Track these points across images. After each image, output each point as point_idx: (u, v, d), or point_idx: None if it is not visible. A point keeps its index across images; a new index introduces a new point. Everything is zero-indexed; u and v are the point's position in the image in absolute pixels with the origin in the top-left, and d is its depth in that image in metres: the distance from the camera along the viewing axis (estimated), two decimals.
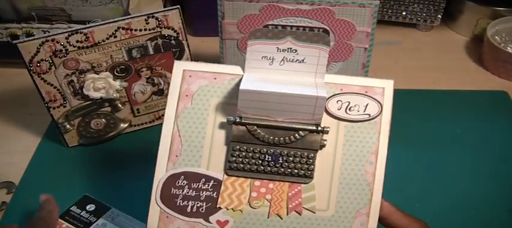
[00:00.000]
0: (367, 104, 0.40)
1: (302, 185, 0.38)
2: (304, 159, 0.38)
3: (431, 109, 0.72)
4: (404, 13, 0.87)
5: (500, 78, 0.79)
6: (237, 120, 0.38)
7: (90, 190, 0.59)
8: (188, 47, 0.63)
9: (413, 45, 0.87)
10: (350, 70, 0.65)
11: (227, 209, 0.38)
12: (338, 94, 0.40)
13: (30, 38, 0.57)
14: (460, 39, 0.88)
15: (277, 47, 0.39)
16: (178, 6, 0.60)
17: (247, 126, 0.38)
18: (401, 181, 0.60)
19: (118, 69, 0.62)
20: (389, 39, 0.88)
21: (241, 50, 0.65)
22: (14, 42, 0.56)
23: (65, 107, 0.63)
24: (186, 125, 0.39)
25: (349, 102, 0.40)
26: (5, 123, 0.71)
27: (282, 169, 0.38)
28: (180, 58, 0.63)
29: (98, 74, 0.61)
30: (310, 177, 0.38)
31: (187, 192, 0.38)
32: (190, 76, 0.40)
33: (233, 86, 0.40)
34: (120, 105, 0.65)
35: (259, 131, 0.38)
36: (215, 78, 0.40)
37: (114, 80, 0.62)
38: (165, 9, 0.60)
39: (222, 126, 0.39)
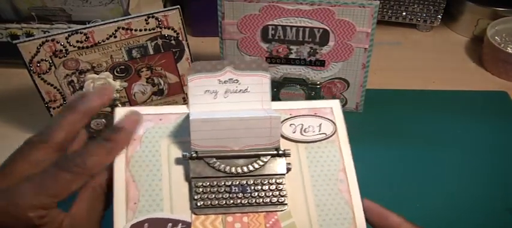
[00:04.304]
0: (320, 124, 0.40)
1: (278, 213, 0.36)
2: (273, 186, 0.36)
3: (431, 109, 0.72)
4: (404, 13, 0.87)
5: (500, 78, 0.79)
6: (193, 155, 0.36)
7: None
8: (188, 47, 0.63)
9: (413, 46, 0.86)
10: (350, 70, 0.65)
11: None
12: (289, 118, 0.40)
13: (30, 38, 0.57)
14: (460, 40, 0.88)
15: (219, 79, 0.38)
16: (178, 6, 0.60)
17: (204, 159, 0.36)
18: (400, 181, 0.60)
19: (118, 70, 0.62)
20: (389, 39, 0.87)
21: (241, 50, 0.65)
22: (14, 42, 0.56)
23: None
24: (139, 169, 0.36)
25: (303, 124, 0.39)
26: (5, 123, 0.71)
27: (253, 199, 0.36)
28: (180, 58, 0.63)
29: (97, 74, 0.61)
30: (284, 203, 0.36)
31: None
32: None
33: (181, 123, 0.38)
34: (120, 105, 0.65)
35: (218, 162, 0.36)
36: (161, 119, 0.38)
37: (114, 80, 0.62)
38: (165, 9, 0.60)
39: (178, 163, 0.37)
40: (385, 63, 0.81)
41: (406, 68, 0.81)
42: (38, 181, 0.33)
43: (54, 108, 0.62)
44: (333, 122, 0.40)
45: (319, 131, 0.40)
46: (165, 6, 0.79)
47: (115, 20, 0.58)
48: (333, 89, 0.68)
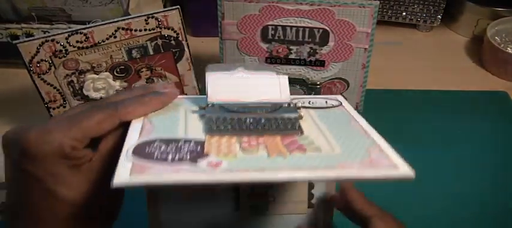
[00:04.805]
0: (326, 101, 0.43)
1: (296, 136, 0.36)
2: (287, 121, 0.37)
3: (431, 109, 0.72)
4: (404, 13, 0.87)
5: (500, 78, 0.79)
6: (210, 105, 0.38)
7: None
8: (188, 47, 0.63)
9: (413, 46, 0.87)
10: (350, 70, 0.65)
11: (217, 155, 0.32)
12: (295, 98, 0.42)
13: (30, 38, 0.57)
14: (460, 40, 0.88)
15: (232, 76, 0.42)
16: (178, 6, 0.60)
17: (221, 107, 0.38)
18: (400, 181, 0.60)
19: (118, 70, 0.62)
20: (389, 39, 0.88)
21: (241, 50, 0.65)
22: (14, 42, 0.56)
23: (64, 107, 0.63)
24: (157, 117, 0.38)
25: (310, 100, 0.43)
26: (5, 123, 0.71)
27: (267, 128, 0.36)
28: (180, 58, 0.63)
29: (97, 75, 0.61)
30: (301, 131, 0.36)
31: (166, 149, 0.33)
32: None
33: (197, 100, 0.41)
34: None
35: (232, 105, 0.39)
36: (180, 98, 0.41)
37: (114, 81, 0.62)
38: (165, 9, 0.60)
39: (194, 112, 0.39)
40: (385, 63, 0.81)
41: (406, 68, 0.81)
42: (72, 115, 0.35)
43: (54, 109, 0.62)
44: (339, 101, 0.43)
45: (326, 104, 0.42)
46: (165, 6, 0.79)
47: (115, 20, 0.58)
48: (333, 89, 0.68)
